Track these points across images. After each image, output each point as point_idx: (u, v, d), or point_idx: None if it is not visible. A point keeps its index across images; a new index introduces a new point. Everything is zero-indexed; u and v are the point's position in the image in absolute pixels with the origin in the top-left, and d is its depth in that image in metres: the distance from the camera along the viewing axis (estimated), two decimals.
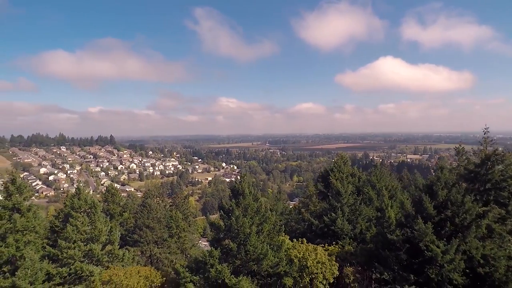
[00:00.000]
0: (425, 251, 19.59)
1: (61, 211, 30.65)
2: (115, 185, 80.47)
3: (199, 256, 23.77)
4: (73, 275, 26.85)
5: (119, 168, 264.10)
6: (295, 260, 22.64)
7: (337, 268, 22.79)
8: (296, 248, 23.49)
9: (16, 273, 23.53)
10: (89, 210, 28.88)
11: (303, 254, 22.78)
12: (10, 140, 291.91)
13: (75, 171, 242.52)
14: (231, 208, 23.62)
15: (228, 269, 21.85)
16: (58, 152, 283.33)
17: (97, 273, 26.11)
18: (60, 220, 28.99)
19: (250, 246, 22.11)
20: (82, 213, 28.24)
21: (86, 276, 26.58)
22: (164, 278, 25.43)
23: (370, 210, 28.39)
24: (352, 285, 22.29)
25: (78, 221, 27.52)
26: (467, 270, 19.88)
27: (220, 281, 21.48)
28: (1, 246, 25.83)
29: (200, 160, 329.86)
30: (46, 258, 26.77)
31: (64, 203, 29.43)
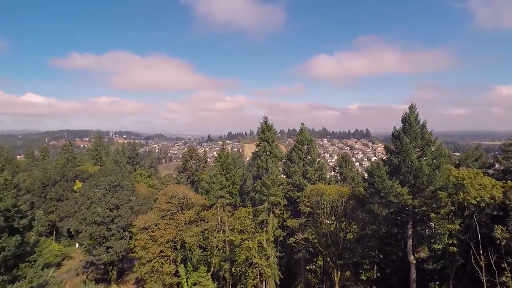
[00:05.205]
0: None
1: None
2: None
3: (371, 169, 30.08)
4: (296, 185, 39.65)
5: (372, 159, 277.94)
6: (452, 179, 24.58)
7: (501, 192, 22.69)
8: (455, 170, 25.05)
9: (264, 176, 38.60)
10: (308, 145, 40.79)
11: (461, 175, 24.27)
12: (287, 133, 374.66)
13: (334, 160, 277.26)
14: (398, 133, 28.42)
15: (390, 179, 27.12)
16: (321, 143, 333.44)
17: (309, 186, 37.42)
18: (291, 151, 42.49)
19: (409, 161, 26.40)
20: (303, 146, 40.51)
21: (302, 187, 38.59)
22: (350, 191, 33.39)
23: None
24: (511, 206, 21.72)
25: (300, 150, 40.02)
26: None
27: (381, 186, 27.17)
28: (260, 162, 41.93)
29: None
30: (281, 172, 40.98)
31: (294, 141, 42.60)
